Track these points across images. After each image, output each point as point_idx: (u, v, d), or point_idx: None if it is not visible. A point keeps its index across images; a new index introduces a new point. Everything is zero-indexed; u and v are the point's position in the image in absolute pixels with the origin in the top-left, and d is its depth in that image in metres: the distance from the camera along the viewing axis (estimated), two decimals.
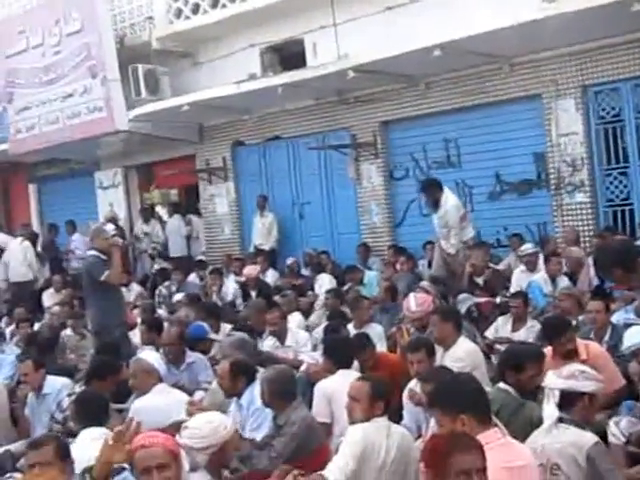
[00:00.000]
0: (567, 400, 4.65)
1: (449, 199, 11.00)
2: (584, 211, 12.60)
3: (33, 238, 17.33)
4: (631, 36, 11.74)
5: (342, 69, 13.15)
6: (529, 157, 13.23)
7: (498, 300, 10.30)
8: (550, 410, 4.66)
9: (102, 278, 9.54)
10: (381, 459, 5.07)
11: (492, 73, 13.13)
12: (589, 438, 4.50)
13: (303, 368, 7.91)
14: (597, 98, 12.48)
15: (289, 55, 15.37)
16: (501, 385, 5.44)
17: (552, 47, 12.29)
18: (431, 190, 11.12)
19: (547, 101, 12.69)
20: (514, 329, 9.13)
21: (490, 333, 9.30)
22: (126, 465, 4.64)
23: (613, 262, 5.49)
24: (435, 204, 10.98)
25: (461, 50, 12.11)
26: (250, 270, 13.06)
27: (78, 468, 5.31)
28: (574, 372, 4.77)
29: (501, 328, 9.30)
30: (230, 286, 13.25)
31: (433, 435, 3.78)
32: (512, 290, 10.61)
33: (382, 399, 5.28)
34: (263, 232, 15.71)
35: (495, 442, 4.05)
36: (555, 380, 4.74)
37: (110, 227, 10.37)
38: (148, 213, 18.14)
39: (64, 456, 4.99)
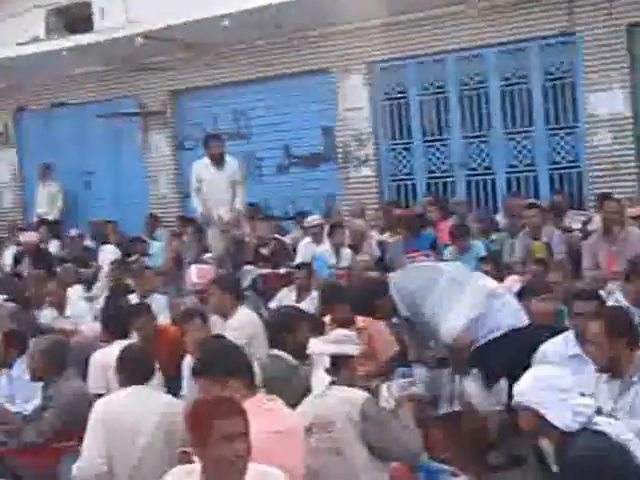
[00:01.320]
0: (337, 364, 4.71)
1: (228, 157, 10.83)
2: (369, 185, 12.90)
3: None
4: (416, 15, 12.05)
5: (130, 34, 12.85)
6: (318, 131, 13.40)
7: (282, 271, 10.37)
8: (320, 375, 4.70)
9: None
10: (136, 427, 4.93)
11: (283, 45, 13.17)
12: (361, 395, 4.59)
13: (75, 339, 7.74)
14: (383, 74, 12.77)
15: (76, 18, 14.78)
16: (273, 351, 5.45)
17: (341, 22, 12.44)
18: (221, 141, 10.96)
19: (335, 76, 12.87)
20: (298, 300, 9.20)
21: (274, 304, 9.36)
22: None
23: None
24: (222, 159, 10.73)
25: (250, 21, 12.07)
26: (28, 237, 12.51)
27: None
28: (340, 337, 4.86)
29: (285, 299, 9.37)
30: (9, 256, 12.70)
31: (195, 401, 3.70)
32: (297, 262, 10.72)
33: (138, 367, 5.22)
34: (47, 201, 15.15)
35: (260, 407, 4.04)
36: (324, 345, 4.79)
37: None
38: None
39: None
